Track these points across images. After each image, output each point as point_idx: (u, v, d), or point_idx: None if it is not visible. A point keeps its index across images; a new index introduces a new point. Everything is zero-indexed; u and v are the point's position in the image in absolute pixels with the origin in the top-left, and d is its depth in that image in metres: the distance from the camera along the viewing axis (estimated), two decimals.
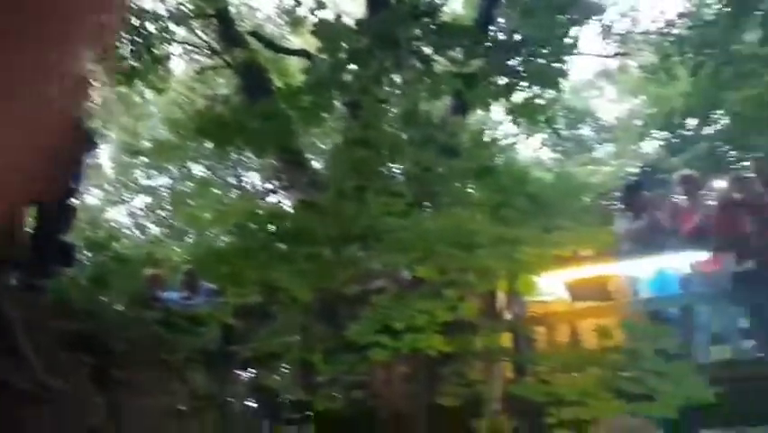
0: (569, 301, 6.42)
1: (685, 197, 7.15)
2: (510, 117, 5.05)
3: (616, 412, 3.74)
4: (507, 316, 5.70)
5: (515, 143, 13.74)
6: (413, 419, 4.60)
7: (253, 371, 6.23)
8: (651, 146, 14.01)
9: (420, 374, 4.86)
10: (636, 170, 12.22)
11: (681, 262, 6.47)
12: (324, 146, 10.62)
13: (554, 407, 4.02)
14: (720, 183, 7.50)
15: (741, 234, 6.15)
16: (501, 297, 5.50)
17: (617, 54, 13.06)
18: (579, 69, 14.76)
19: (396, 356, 4.63)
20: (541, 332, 5.91)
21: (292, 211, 5.25)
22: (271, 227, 4.46)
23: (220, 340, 5.88)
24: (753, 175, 6.85)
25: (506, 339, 5.41)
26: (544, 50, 4.78)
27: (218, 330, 5.76)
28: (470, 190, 5.01)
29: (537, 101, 4.93)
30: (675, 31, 11.48)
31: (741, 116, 12.64)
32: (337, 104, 5.27)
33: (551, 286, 6.11)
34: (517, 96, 4.91)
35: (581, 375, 4.00)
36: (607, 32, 12.18)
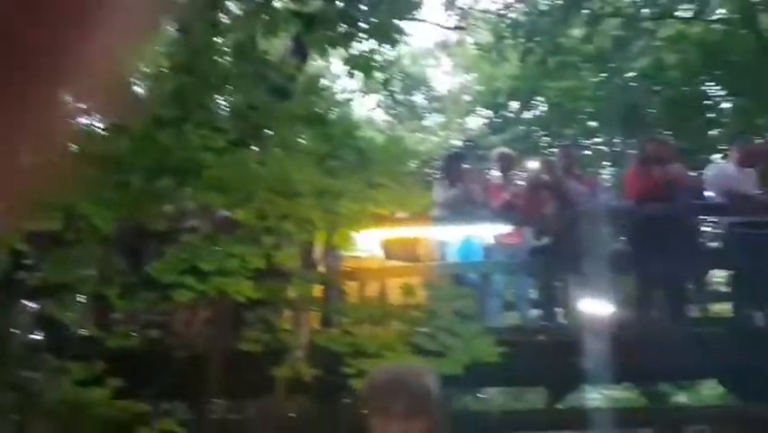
0: (382, 259, 6.61)
1: (499, 173, 7.61)
2: (347, 69, 5.01)
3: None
4: (322, 267, 5.74)
5: (351, 100, 13.80)
6: (211, 362, 4.50)
7: (42, 302, 5.74)
8: (475, 122, 14.74)
9: (224, 318, 4.75)
10: (459, 143, 12.82)
11: (487, 232, 6.90)
12: (146, 70, 9.92)
13: (355, 358, 4.11)
14: (532, 165, 8.06)
15: (542, 212, 6.68)
16: (318, 248, 5.51)
17: (456, 27, 13.47)
18: (420, 36, 15.07)
19: (201, 298, 4.48)
20: (352, 286, 6.03)
21: (103, 134, 4.84)
22: (77, 149, 4.07)
23: (5, 266, 5.33)
24: (558, 161, 7.43)
25: (317, 290, 5.45)
26: (386, 5, 4.78)
27: (4, 255, 5.22)
28: (299, 138, 4.92)
29: (375, 56, 4.93)
30: (512, 14, 12.05)
31: (557, 106, 13.66)
32: (166, 26, 4.89)
33: (367, 242, 6.24)
34: (356, 50, 4.88)
35: (384, 329, 4.13)
36: (450, 3, 12.50)
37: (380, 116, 15.65)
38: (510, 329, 6.26)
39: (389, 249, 6.64)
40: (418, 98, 16.07)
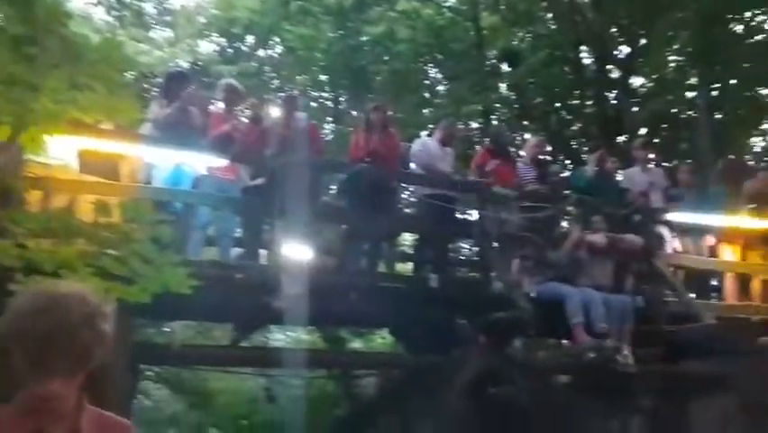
0: (76, 171, 5.93)
1: (223, 105, 7.32)
2: None
3: (91, 288, 3.56)
4: None
5: None
6: None
7: None
8: (207, 47, 14.04)
9: None
10: (186, 65, 12.11)
11: (200, 162, 6.61)
12: None
13: (27, 275, 3.61)
14: (259, 103, 7.88)
15: (261, 153, 6.58)
16: None
17: None
18: None
19: None
20: (35, 195, 5.32)
21: None
22: None
23: None
24: (284, 106, 7.36)
25: None
26: None
27: None
28: None
29: None
30: None
31: (292, 51, 13.64)
32: None
33: (61, 150, 5.54)
34: None
35: (66, 246, 3.68)
36: None
37: (101, 16, 14.02)
38: (208, 264, 6.11)
39: (87, 161, 5.97)
40: (147, 6, 14.73)
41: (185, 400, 14.03)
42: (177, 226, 5.92)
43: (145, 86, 11.21)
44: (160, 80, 8.47)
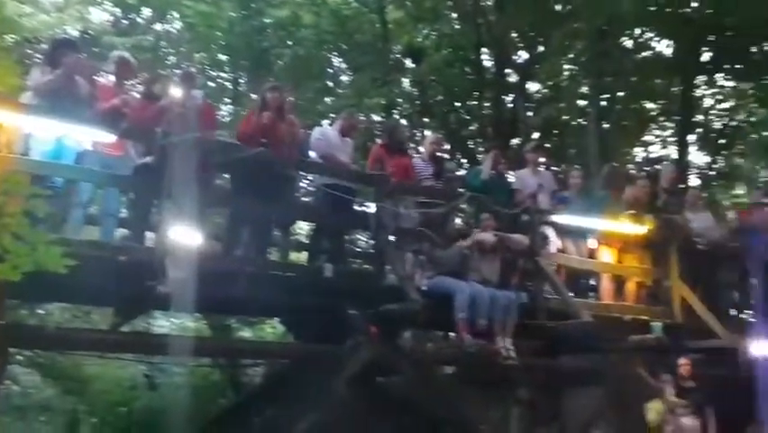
0: None
1: (113, 78, 6.96)
2: None
3: None
4: None
5: None
6: None
7: None
8: (99, 16, 13.26)
9: None
10: (75, 32, 11.43)
11: (85, 136, 6.24)
12: None
13: None
14: (154, 78, 7.54)
15: (152, 130, 6.26)
16: None
17: None
18: None
19: None
20: None
21: None
22: None
23: None
24: (180, 82, 7.05)
25: None
26: None
27: None
28: None
29: None
30: None
31: (192, 27, 13.15)
32: None
33: None
34: None
35: None
36: None
37: None
38: (88, 244, 5.78)
39: None
40: None
41: (58, 387, 13.28)
42: (56, 203, 5.58)
43: (28, 51, 10.46)
44: (44, 47, 7.94)
